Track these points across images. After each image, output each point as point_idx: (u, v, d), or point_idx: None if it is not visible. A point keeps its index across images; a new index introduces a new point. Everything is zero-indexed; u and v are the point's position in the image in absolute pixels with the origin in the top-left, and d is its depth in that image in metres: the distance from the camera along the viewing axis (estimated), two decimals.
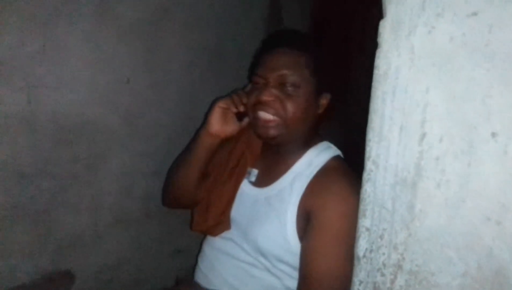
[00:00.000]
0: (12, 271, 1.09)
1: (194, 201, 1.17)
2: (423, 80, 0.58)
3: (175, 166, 1.22)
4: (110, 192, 1.27)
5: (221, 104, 1.08)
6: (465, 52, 0.54)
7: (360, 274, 0.66)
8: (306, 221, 0.94)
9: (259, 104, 1.00)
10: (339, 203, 0.91)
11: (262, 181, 1.08)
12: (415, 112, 0.59)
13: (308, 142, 1.06)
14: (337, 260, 0.86)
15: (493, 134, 0.52)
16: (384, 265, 0.62)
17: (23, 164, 1.06)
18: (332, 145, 1.10)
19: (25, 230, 1.09)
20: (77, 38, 1.10)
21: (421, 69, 0.58)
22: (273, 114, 0.99)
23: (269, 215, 1.00)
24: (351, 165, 1.02)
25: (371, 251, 0.65)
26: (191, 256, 1.35)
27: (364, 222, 0.66)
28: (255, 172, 1.12)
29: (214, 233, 1.10)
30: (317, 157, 1.03)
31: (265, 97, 0.98)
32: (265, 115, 0.99)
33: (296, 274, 0.95)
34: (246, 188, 1.11)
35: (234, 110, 1.08)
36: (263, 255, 0.99)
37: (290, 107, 0.98)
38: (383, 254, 0.62)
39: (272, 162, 1.09)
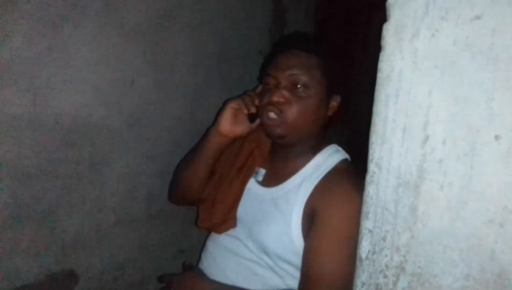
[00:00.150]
0: (17, 271, 1.09)
1: (201, 198, 1.17)
2: (426, 83, 0.58)
3: (184, 163, 1.23)
4: (113, 193, 1.28)
5: (232, 105, 1.08)
6: (468, 55, 0.55)
7: (362, 276, 0.66)
8: (311, 222, 0.94)
9: (270, 105, 1.00)
10: (342, 204, 0.91)
11: (269, 181, 1.09)
12: (418, 114, 0.59)
13: (317, 145, 1.07)
14: (339, 261, 0.87)
15: (496, 137, 0.52)
16: (386, 267, 0.63)
17: (27, 164, 1.07)
18: (340, 149, 1.10)
19: (29, 230, 1.10)
20: (82, 41, 1.11)
21: (424, 72, 0.59)
22: (283, 116, 0.99)
23: (274, 215, 1.00)
24: (356, 168, 1.02)
25: (373, 253, 0.65)
26: (194, 256, 1.36)
27: (367, 224, 0.66)
28: (262, 171, 1.12)
29: (220, 231, 1.10)
30: (326, 160, 1.04)
31: (276, 98, 0.98)
32: (274, 116, 1.00)
33: (298, 274, 0.96)
34: (253, 187, 1.11)
35: (246, 111, 1.08)
36: (267, 254, 0.99)
37: (300, 108, 0.99)
38: (386, 256, 0.63)
39: (280, 163, 1.09)
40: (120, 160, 1.27)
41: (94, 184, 1.22)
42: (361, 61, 2.21)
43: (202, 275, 1.10)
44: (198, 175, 1.15)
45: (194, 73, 1.43)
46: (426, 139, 0.58)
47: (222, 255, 1.08)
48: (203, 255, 1.17)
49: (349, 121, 1.85)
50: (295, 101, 0.99)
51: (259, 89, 1.11)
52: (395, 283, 0.61)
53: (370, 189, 0.66)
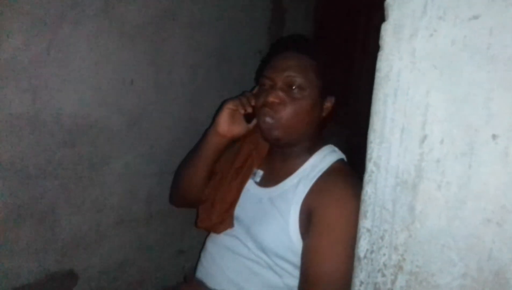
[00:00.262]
0: (16, 271, 1.10)
1: (201, 199, 1.19)
2: (424, 82, 0.59)
3: (184, 164, 1.25)
4: (113, 193, 1.28)
5: (229, 105, 1.11)
6: (466, 55, 0.55)
7: (360, 275, 0.67)
8: (308, 220, 0.95)
9: (266, 106, 1.02)
10: (338, 203, 0.93)
11: (267, 182, 1.10)
12: (416, 114, 0.59)
13: (313, 146, 1.09)
14: (337, 260, 0.88)
15: (494, 136, 0.52)
16: (384, 265, 0.63)
17: (27, 164, 1.07)
18: (336, 149, 1.12)
19: (29, 230, 1.10)
20: (81, 40, 1.11)
21: (422, 71, 0.59)
22: (278, 118, 1.01)
23: (272, 214, 1.02)
24: (353, 168, 1.03)
25: (372, 252, 0.65)
26: (194, 257, 1.36)
27: (365, 223, 0.66)
28: (260, 173, 1.14)
29: (218, 230, 1.12)
30: (322, 160, 1.06)
31: (272, 99, 1.01)
32: (270, 119, 1.02)
33: (297, 273, 0.97)
34: (251, 187, 1.13)
35: (242, 111, 1.11)
36: (265, 252, 1.00)
37: (295, 109, 1.01)
38: (384, 255, 0.63)
39: (277, 164, 1.11)
40: (120, 160, 1.27)
41: (93, 184, 1.22)
42: (361, 61, 2.22)
43: (200, 285, 1.11)
44: (197, 175, 1.17)
45: (194, 73, 1.43)
46: (424, 138, 0.58)
47: (222, 255, 1.09)
48: (202, 255, 1.18)
49: (348, 121, 1.85)
50: (290, 102, 1.01)
51: (256, 90, 1.13)
52: (393, 282, 0.62)
53: (368, 188, 0.66)
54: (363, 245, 0.67)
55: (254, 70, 1.22)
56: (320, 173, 1.02)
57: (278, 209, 1.02)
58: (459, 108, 0.55)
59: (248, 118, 1.13)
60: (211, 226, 1.13)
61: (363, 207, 0.67)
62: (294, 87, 1.01)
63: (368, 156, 0.66)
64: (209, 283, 1.09)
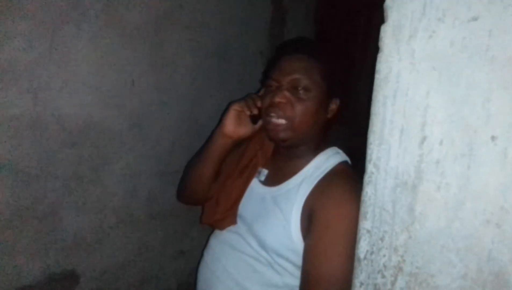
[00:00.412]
0: (18, 271, 1.10)
1: (207, 197, 1.21)
2: (423, 84, 0.59)
3: (191, 164, 1.27)
4: (114, 194, 1.28)
5: (235, 107, 1.12)
6: (465, 57, 0.55)
7: (360, 276, 0.67)
8: (309, 221, 0.96)
9: (272, 107, 1.04)
10: (339, 204, 0.93)
11: (271, 181, 1.12)
12: (416, 115, 0.59)
13: (317, 147, 1.10)
14: (337, 261, 0.88)
15: (493, 138, 0.52)
16: (384, 267, 0.63)
17: (28, 165, 1.07)
18: (340, 151, 1.13)
19: (30, 230, 1.10)
20: (82, 42, 1.12)
21: (421, 73, 0.59)
22: (284, 118, 1.03)
23: (274, 212, 1.03)
24: (355, 170, 1.04)
25: (371, 253, 0.65)
26: (195, 257, 1.36)
27: (365, 224, 0.66)
28: (265, 172, 1.16)
29: (221, 227, 1.14)
30: (325, 162, 1.07)
31: (278, 99, 1.02)
32: (276, 120, 1.03)
33: (297, 272, 0.97)
34: (255, 186, 1.15)
35: (248, 112, 1.12)
36: (266, 250, 1.01)
37: (301, 110, 1.02)
38: (384, 256, 0.63)
39: (282, 164, 1.12)
40: (121, 160, 1.28)
41: (94, 185, 1.22)
42: (361, 62, 2.22)
43: None
44: (204, 175, 1.19)
45: (194, 73, 1.43)
46: (424, 139, 0.59)
47: (224, 251, 1.11)
48: (205, 252, 1.19)
49: (349, 122, 1.85)
50: (296, 102, 1.02)
51: (262, 92, 1.15)
52: (393, 283, 0.62)
53: (368, 190, 0.66)
54: (363, 246, 0.67)
55: (255, 71, 1.23)
56: (322, 174, 1.03)
57: (280, 208, 1.03)
58: (458, 109, 0.55)
59: (254, 119, 1.14)
60: (215, 222, 1.15)
61: (363, 208, 0.67)
62: (299, 89, 1.02)
63: (367, 157, 0.66)
64: (210, 279, 1.10)
